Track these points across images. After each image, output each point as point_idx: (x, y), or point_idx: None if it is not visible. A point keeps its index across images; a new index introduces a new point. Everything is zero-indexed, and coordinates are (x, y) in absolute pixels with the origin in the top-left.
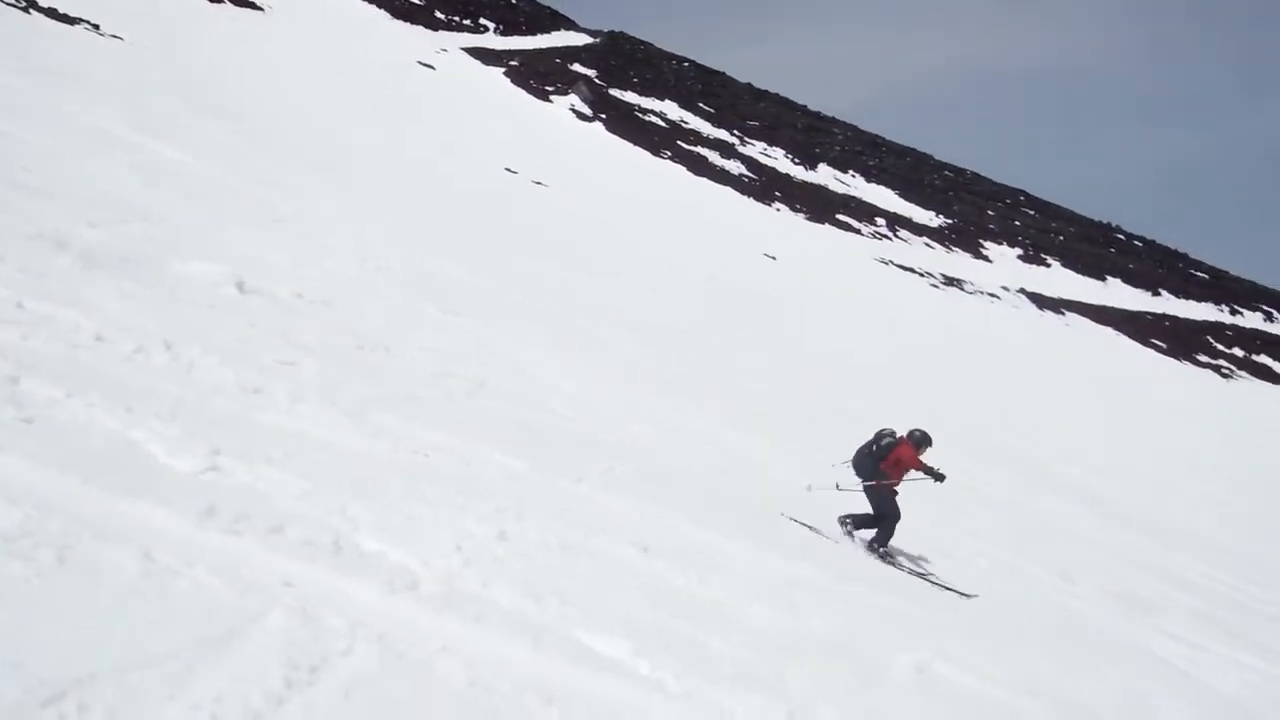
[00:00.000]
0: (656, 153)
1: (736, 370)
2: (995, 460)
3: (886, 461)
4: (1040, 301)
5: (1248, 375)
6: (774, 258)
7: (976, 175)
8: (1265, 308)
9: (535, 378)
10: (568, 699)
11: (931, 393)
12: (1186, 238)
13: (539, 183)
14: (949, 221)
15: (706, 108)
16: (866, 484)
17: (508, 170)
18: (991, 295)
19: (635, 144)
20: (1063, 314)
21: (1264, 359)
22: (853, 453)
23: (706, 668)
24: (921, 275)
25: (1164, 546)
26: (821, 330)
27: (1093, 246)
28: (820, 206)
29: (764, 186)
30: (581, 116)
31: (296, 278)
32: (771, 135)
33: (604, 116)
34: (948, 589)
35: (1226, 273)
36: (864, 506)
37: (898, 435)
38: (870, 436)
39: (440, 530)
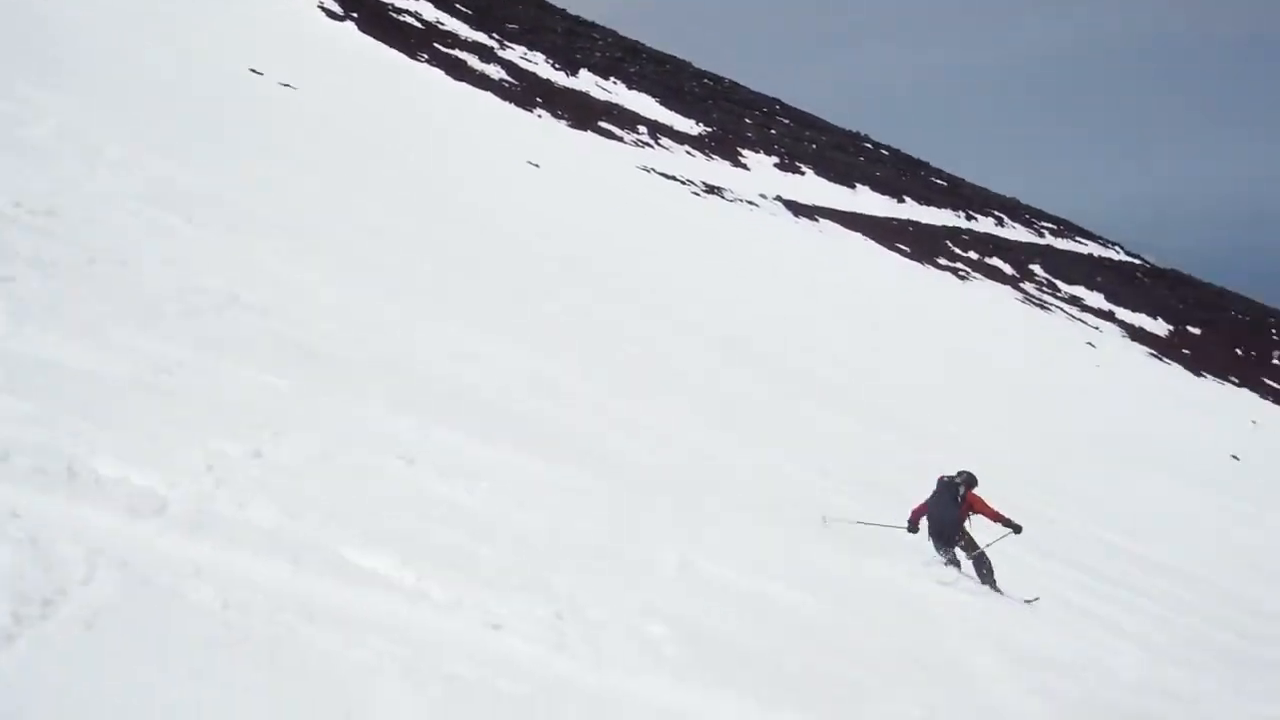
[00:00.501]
0: (414, 56)
1: (509, 285)
2: (762, 368)
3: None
4: (796, 209)
5: (982, 277)
6: (538, 165)
7: (734, 84)
8: (997, 213)
9: (296, 292)
10: (330, 615)
11: (695, 301)
12: (927, 147)
13: (286, 85)
14: (708, 130)
15: (463, 8)
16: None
17: (253, 71)
18: (750, 203)
19: (391, 46)
20: (816, 220)
21: (996, 261)
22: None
23: (474, 575)
24: (684, 183)
25: (916, 447)
26: (587, 241)
27: (843, 155)
28: (582, 113)
29: (525, 92)
30: (331, 15)
31: (14, 187)
32: (531, 39)
33: (355, 15)
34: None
35: (963, 180)
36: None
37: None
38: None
39: (188, 451)
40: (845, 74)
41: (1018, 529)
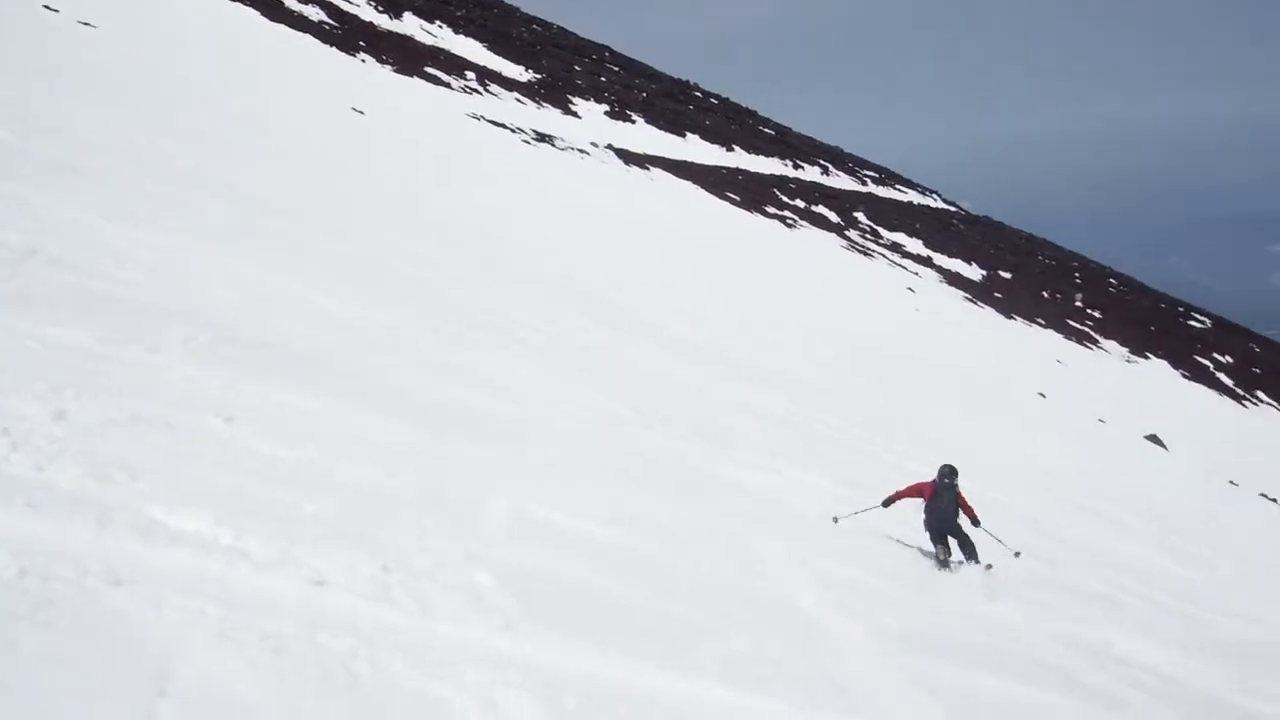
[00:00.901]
0: None
1: (331, 229)
2: (593, 315)
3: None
4: (627, 157)
5: (808, 224)
6: (362, 112)
7: (563, 30)
8: (822, 162)
9: (98, 244)
10: (139, 577)
11: (524, 249)
12: (755, 96)
13: (86, 23)
14: (538, 77)
15: None
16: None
17: (47, 8)
18: (581, 151)
19: None
20: (648, 169)
21: (822, 209)
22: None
23: (296, 531)
24: (514, 131)
25: (748, 384)
26: (415, 189)
27: (673, 103)
28: (408, 59)
29: (347, 36)
30: None
31: None
32: None
33: None
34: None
35: (790, 129)
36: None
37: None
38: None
39: None
40: (674, 22)
41: (977, 522)
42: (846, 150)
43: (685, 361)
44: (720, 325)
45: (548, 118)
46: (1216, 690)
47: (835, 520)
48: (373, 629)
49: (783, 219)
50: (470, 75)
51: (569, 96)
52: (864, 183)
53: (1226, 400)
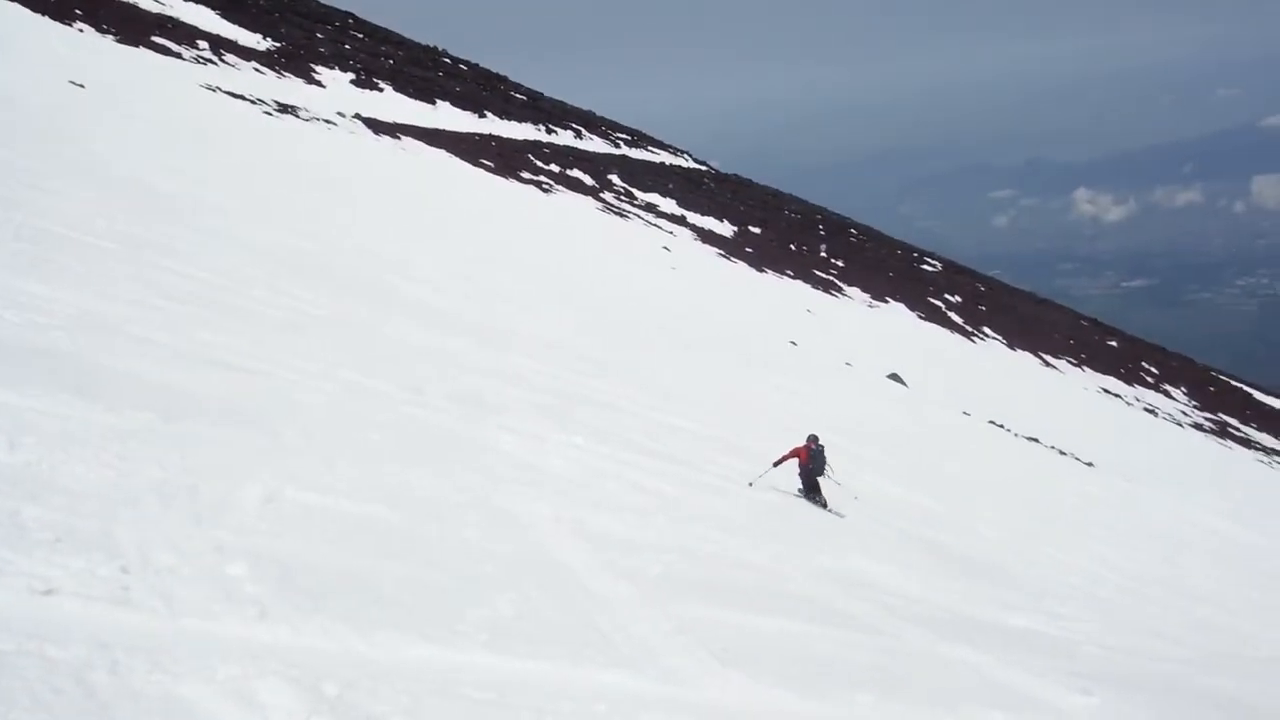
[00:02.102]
0: None
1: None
2: (341, 288)
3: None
4: (376, 126)
5: (564, 188)
6: (83, 86)
7: None
8: (575, 126)
9: None
10: None
11: (268, 223)
12: (506, 62)
13: None
14: (277, 45)
15: None
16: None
17: None
18: (328, 121)
19: None
20: (399, 138)
21: (576, 173)
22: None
23: (17, 540)
24: (254, 102)
25: (507, 351)
26: (142, 165)
27: (421, 70)
28: (132, 27)
29: (62, 3)
30: None
31: None
32: None
33: None
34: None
35: (542, 95)
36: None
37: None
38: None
39: None
40: None
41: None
42: (599, 114)
43: (443, 332)
44: (479, 293)
45: (290, 88)
46: (955, 605)
47: (750, 485)
48: (110, 634)
49: (538, 184)
50: (203, 45)
51: (312, 65)
52: (617, 145)
53: (958, 337)
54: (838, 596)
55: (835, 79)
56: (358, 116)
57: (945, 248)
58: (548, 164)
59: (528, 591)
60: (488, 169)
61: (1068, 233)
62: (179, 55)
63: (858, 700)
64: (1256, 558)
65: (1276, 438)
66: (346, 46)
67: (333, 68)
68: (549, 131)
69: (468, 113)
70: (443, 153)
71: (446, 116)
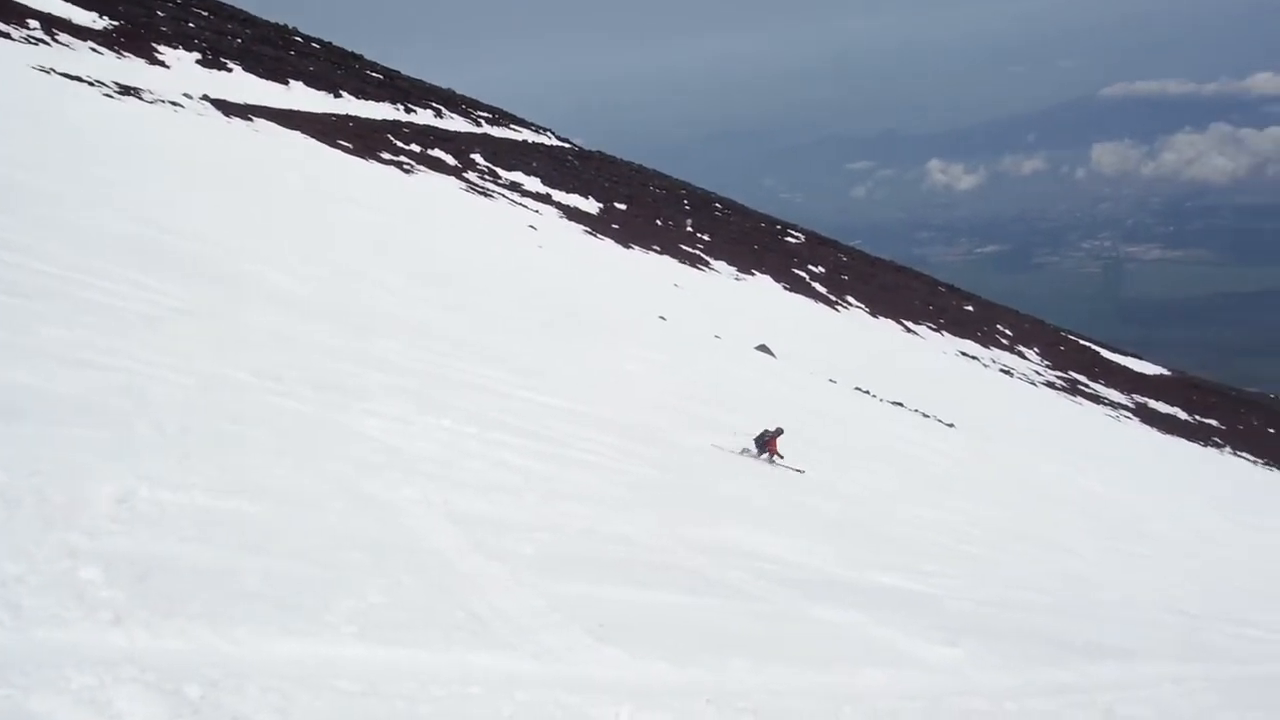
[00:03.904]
0: None
1: None
2: (189, 271)
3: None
4: (226, 108)
5: (426, 169)
6: None
7: None
8: (435, 105)
9: None
10: None
11: (104, 207)
12: (361, 39)
13: None
14: (115, 24)
15: None
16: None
17: None
18: (174, 103)
19: None
20: (251, 119)
21: (438, 152)
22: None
23: None
24: (93, 84)
25: (370, 336)
26: None
27: (272, 49)
28: None
29: None
30: None
31: None
32: None
33: None
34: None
35: (399, 73)
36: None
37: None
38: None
39: None
40: None
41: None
42: (459, 93)
43: (303, 318)
44: (340, 277)
45: (132, 69)
46: (826, 567)
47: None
48: None
49: (399, 164)
50: (34, 24)
51: (154, 45)
52: (479, 124)
53: (822, 307)
54: (712, 565)
55: (693, 54)
56: (206, 98)
57: (808, 219)
58: (408, 144)
59: (397, 578)
60: (346, 150)
61: (924, 202)
62: (7, 35)
63: (732, 666)
64: (1111, 508)
65: (1122, 393)
66: (190, 25)
67: (177, 47)
68: (408, 111)
69: (322, 93)
70: (298, 134)
71: (300, 97)
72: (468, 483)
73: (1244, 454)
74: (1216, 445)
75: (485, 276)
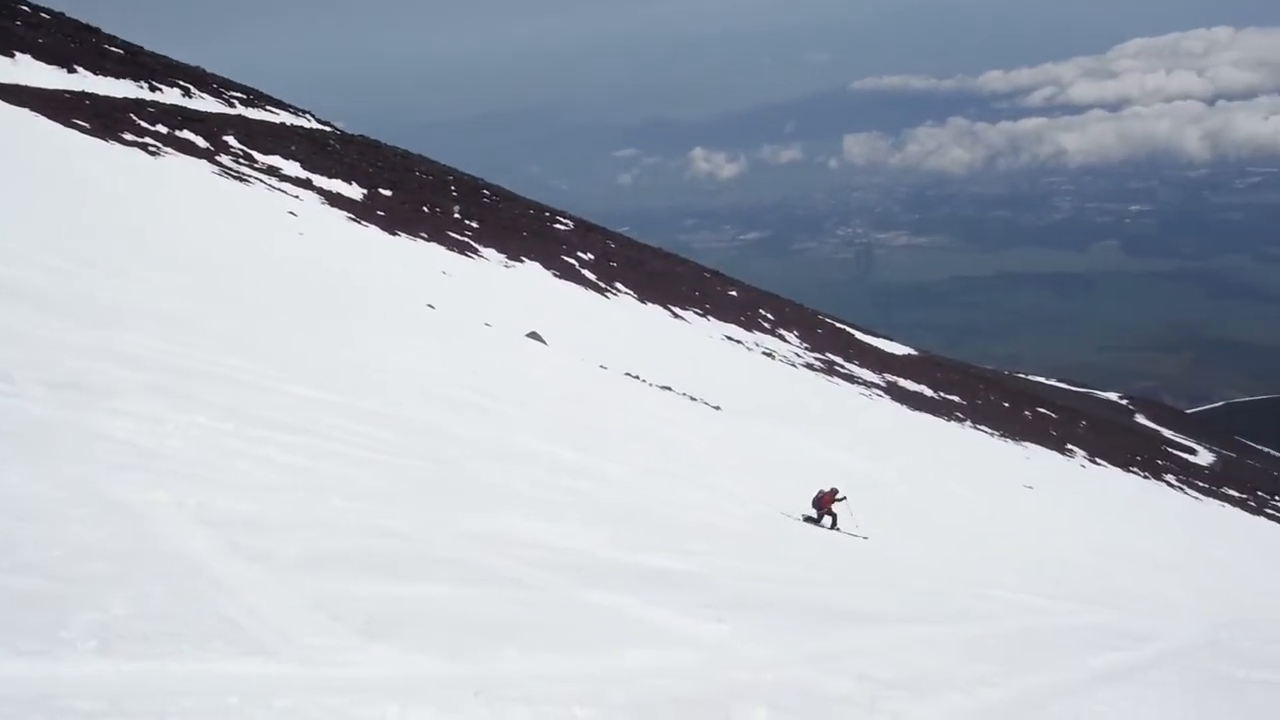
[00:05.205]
0: None
1: None
2: None
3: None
4: None
5: (174, 151)
6: None
7: None
8: (183, 83)
9: None
10: None
11: None
12: (97, 12)
13: None
14: None
15: None
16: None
17: None
18: None
19: None
20: None
21: (188, 134)
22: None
23: None
24: None
25: (105, 329)
26: None
27: None
28: None
29: None
30: None
31: None
32: None
33: None
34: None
35: (142, 49)
36: None
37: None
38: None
39: None
40: None
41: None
42: (210, 71)
43: (36, 311)
44: (78, 267)
45: None
46: (596, 551)
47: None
48: None
49: (144, 146)
50: None
51: None
52: (232, 105)
53: (592, 293)
54: (483, 555)
55: (454, 38)
56: None
57: (576, 206)
58: (154, 124)
59: (145, 587)
60: (82, 130)
61: (689, 189)
62: None
63: (502, 655)
64: (872, 483)
65: (874, 372)
66: None
67: None
68: (153, 89)
69: (55, 67)
70: (26, 111)
71: (29, 71)
72: (226, 483)
73: (983, 427)
74: (959, 420)
75: (243, 264)
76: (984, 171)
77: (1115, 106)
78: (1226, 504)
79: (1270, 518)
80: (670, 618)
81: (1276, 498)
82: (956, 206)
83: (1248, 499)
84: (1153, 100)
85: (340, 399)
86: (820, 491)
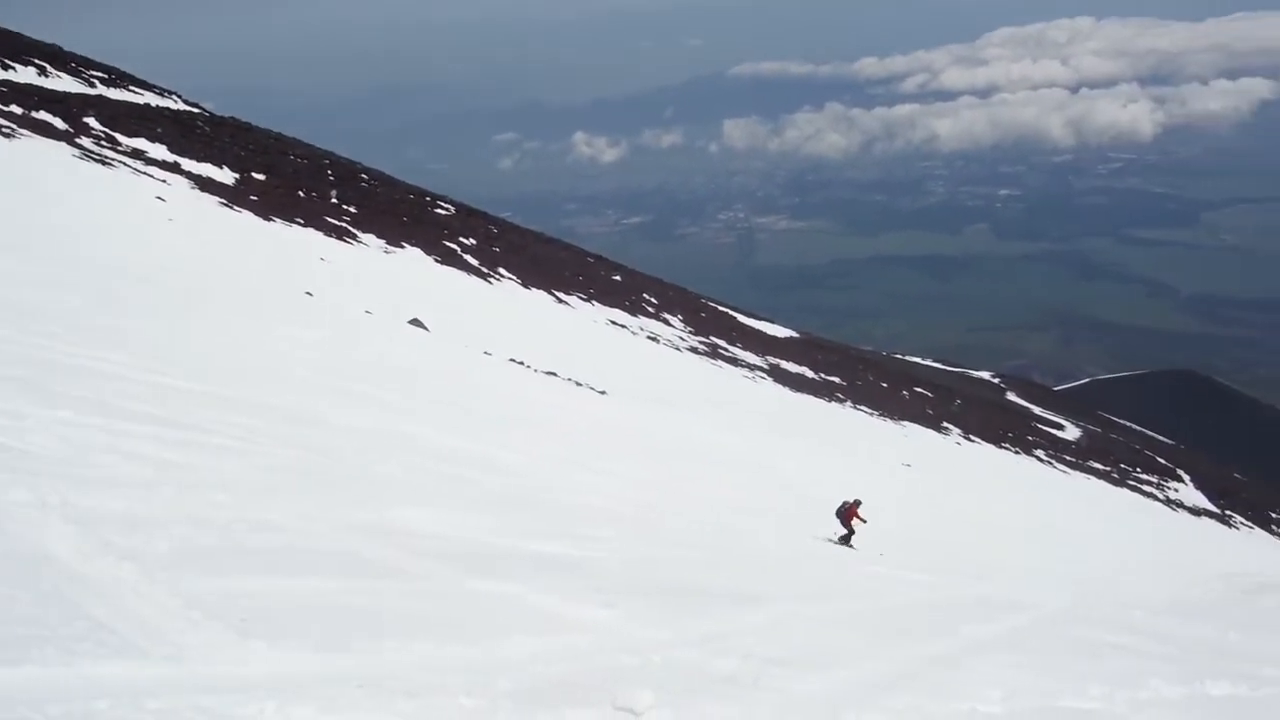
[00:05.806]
0: None
1: None
2: None
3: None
4: None
5: (30, 133)
6: None
7: None
8: (38, 61)
9: None
10: None
11: None
12: None
13: None
14: None
15: None
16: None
17: None
18: None
19: None
20: None
21: (45, 115)
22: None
23: None
24: None
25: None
26: None
27: None
28: None
29: None
30: None
31: None
32: None
33: None
34: None
35: None
36: None
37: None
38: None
39: None
40: None
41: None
42: (67, 49)
43: None
44: None
45: None
46: (486, 539)
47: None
48: None
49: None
50: None
51: None
52: (92, 85)
53: (475, 279)
54: (366, 547)
55: (320, 17)
56: None
57: (456, 191)
58: (7, 105)
59: (6, 591)
60: None
61: (571, 174)
62: None
63: (385, 648)
64: (758, 466)
65: (757, 355)
66: None
67: None
68: (5, 68)
69: None
70: None
71: None
72: (93, 479)
73: (863, 407)
74: (840, 400)
75: (106, 251)
76: (860, 156)
77: (985, 93)
78: (1092, 477)
79: (1132, 489)
80: (558, 604)
81: (1137, 470)
82: (834, 191)
83: (1111, 471)
84: (1019, 88)
85: (213, 389)
86: (844, 503)
